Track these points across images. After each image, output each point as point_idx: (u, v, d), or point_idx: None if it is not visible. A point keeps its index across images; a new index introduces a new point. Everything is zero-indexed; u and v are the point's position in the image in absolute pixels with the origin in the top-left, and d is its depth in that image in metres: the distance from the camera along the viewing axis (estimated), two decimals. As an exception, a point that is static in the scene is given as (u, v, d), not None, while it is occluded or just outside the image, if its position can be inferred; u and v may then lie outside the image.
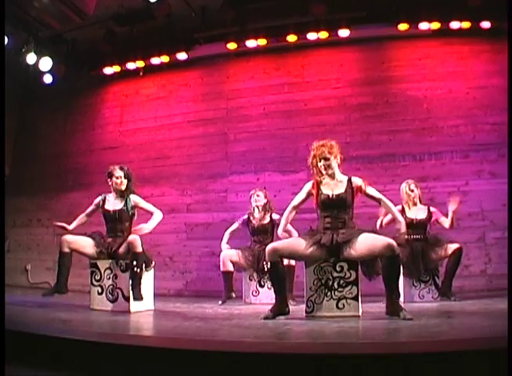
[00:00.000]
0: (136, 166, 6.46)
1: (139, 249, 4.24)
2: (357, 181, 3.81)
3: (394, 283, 3.57)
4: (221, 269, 5.12)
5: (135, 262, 4.23)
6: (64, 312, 4.04)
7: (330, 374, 2.25)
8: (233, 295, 5.04)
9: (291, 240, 3.81)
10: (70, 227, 4.54)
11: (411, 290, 4.77)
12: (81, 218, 4.67)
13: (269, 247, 3.68)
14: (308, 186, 3.87)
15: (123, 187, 4.51)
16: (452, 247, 4.70)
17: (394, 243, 3.45)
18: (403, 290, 4.78)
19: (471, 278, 5.52)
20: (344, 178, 3.83)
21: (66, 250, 4.30)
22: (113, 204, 4.52)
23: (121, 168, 4.54)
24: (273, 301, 4.98)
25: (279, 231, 3.91)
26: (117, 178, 4.50)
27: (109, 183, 4.55)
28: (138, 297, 4.18)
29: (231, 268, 5.11)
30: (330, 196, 3.74)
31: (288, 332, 3.13)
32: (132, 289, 4.22)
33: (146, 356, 2.52)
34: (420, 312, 3.91)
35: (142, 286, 4.26)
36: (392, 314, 3.46)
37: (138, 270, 4.22)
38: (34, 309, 4.30)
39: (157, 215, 4.54)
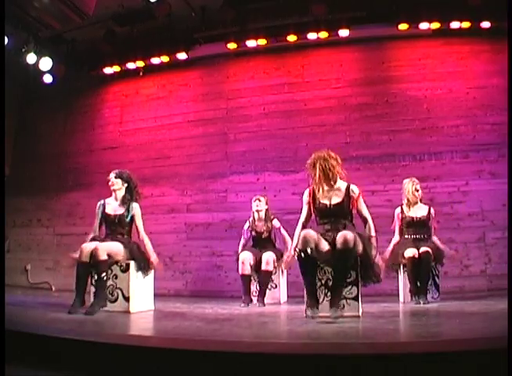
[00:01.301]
0: (136, 166, 6.48)
1: (100, 258, 4.08)
2: (355, 191, 3.76)
3: (342, 276, 3.52)
4: (240, 272, 5.00)
5: (94, 272, 4.12)
6: (64, 312, 4.03)
7: (330, 374, 2.25)
8: (252, 300, 4.93)
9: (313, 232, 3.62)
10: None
11: (411, 290, 4.76)
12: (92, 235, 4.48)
13: (301, 235, 3.50)
14: (306, 198, 3.83)
15: (116, 187, 4.47)
16: (421, 250, 4.59)
17: (349, 236, 3.42)
18: (403, 290, 4.79)
19: (471, 278, 5.52)
20: (343, 186, 3.77)
21: (104, 258, 4.16)
22: (113, 208, 4.49)
23: (115, 172, 4.52)
24: (273, 301, 5.04)
25: (291, 251, 3.81)
26: (109, 180, 4.50)
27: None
28: (94, 311, 3.93)
29: (249, 271, 5.00)
30: (328, 205, 3.72)
31: (288, 332, 3.13)
32: (95, 297, 4.09)
33: (145, 356, 2.52)
34: (420, 312, 3.92)
35: (103, 301, 4.10)
36: (331, 306, 3.42)
37: (97, 281, 4.09)
38: (34, 309, 4.29)
39: (147, 241, 4.45)
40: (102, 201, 4.57)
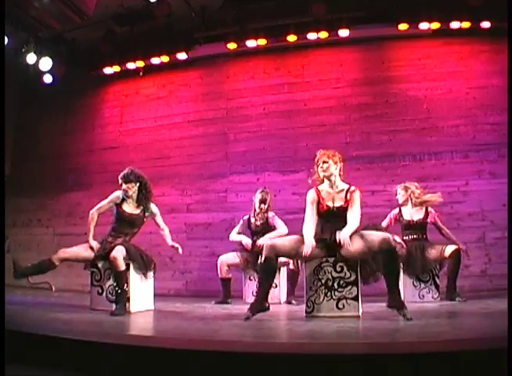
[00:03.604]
0: (136, 166, 6.38)
1: (121, 268, 4.13)
2: (351, 193, 3.76)
3: (395, 278, 3.59)
4: (219, 275, 5.11)
5: (115, 283, 4.16)
6: (64, 312, 4.04)
7: (330, 374, 2.25)
8: (229, 302, 5.02)
9: (291, 238, 3.78)
10: (92, 242, 4.37)
11: (411, 290, 4.77)
12: (94, 218, 4.42)
13: (267, 243, 3.69)
14: (311, 196, 3.81)
15: (130, 192, 4.40)
16: (450, 249, 4.68)
17: (390, 237, 3.50)
18: (403, 290, 4.78)
19: (471, 278, 5.52)
20: (345, 187, 3.80)
21: (57, 263, 4.25)
22: (130, 207, 4.45)
23: (122, 177, 4.42)
24: (273, 301, 5.03)
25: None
26: (120, 185, 4.42)
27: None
28: (120, 313, 3.98)
29: (229, 274, 5.12)
30: (331, 208, 3.75)
31: (288, 332, 3.13)
32: (116, 304, 4.10)
33: (145, 356, 2.52)
34: (420, 312, 3.91)
35: (125, 303, 4.14)
36: (394, 308, 3.50)
37: (119, 291, 4.12)
38: (34, 309, 4.29)
39: (167, 231, 4.71)
40: (122, 195, 4.44)
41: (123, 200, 4.44)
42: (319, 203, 3.78)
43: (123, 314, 4.00)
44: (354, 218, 3.66)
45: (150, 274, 4.52)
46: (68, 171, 7.30)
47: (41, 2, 5.51)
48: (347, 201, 3.74)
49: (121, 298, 4.12)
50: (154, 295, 4.61)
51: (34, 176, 7.40)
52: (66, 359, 2.67)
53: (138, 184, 4.45)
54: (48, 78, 6.87)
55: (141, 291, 4.41)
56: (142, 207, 4.47)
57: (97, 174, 6.83)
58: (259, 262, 3.69)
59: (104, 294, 4.33)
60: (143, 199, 4.46)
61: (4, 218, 4.92)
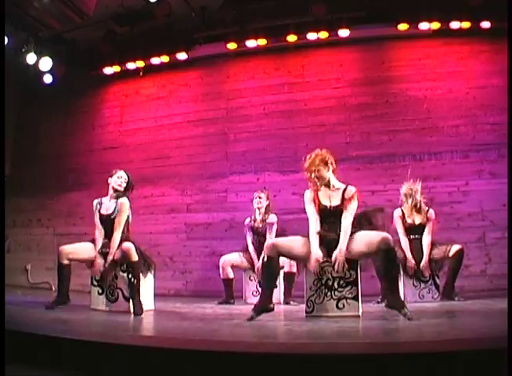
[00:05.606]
0: (136, 166, 6.48)
1: (135, 258, 4.15)
2: (349, 192, 3.70)
3: (394, 277, 3.66)
4: (221, 276, 5.13)
5: (130, 275, 4.13)
6: (64, 312, 4.04)
7: (330, 374, 2.25)
8: (232, 302, 5.04)
9: (291, 238, 3.80)
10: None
11: (411, 290, 4.77)
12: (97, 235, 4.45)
13: (269, 242, 3.77)
14: (308, 196, 3.80)
15: (120, 188, 4.44)
16: (454, 248, 4.68)
17: (388, 236, 3.48)
18: (403, 290, 4.79)
19: (471, 278, 5.52)
20: (342, 187, 3.75)
21: (66, 262, 4.26)
22: (106, 207, 4.46)
23: (126, 172, 4.52)
24: (273, 301, 5.03)
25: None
26: (119, 177, 4.44)
27: (109, 182, 4.50)
28: (138, 311, 3.98)
29: (231, 275, 5.13)
30: (328, 207, 3.72)
31: (288, 332, 3.13)
32: (132, 300, 4.09)
33: (146, 356, 2.52)
34: (420, 312, 3.92)
35: (141, 297, 4.12)
36: (394, 308, 3.48)
37: (135, 281, 4.11)
38: (34, 309, 4.29)
39: (115, 239, 4.31)
40: (98, 200, 4.53)
41: (101, 204, 4.49)
42: (316, 203, 3.76)
43: (140, 313, 3.97)
44: (347, 226, 3.60)
45: (149, 274, 4.52)
46: (68, 171, 7.31)
47: (41, 2, 5.51)
48: (343, 202, 3.69)
49: (136, 292, 4.10)
50: (154, 295, 4.61)
51: (34, 176, 7.40)
52: (66, 359, 2.68)
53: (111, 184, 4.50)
54: (48, 78, 6.86)
55: (141, 290, 4.40)
56: (114, 205, 4.44)
57: (97, 174, 6.82)
58: (261, 261, 3.72)
59: (104, 294, 4.32)
60: (117, 195, 4.46)
61: (4, 218, 4.92)
